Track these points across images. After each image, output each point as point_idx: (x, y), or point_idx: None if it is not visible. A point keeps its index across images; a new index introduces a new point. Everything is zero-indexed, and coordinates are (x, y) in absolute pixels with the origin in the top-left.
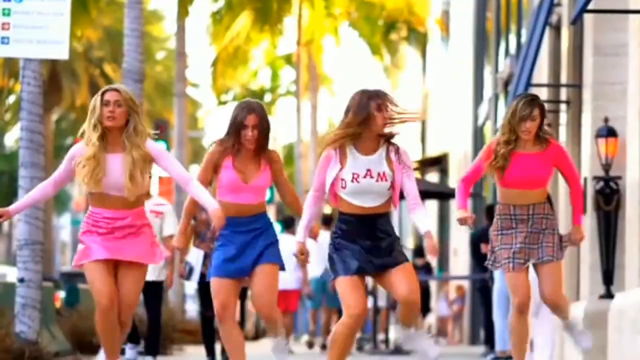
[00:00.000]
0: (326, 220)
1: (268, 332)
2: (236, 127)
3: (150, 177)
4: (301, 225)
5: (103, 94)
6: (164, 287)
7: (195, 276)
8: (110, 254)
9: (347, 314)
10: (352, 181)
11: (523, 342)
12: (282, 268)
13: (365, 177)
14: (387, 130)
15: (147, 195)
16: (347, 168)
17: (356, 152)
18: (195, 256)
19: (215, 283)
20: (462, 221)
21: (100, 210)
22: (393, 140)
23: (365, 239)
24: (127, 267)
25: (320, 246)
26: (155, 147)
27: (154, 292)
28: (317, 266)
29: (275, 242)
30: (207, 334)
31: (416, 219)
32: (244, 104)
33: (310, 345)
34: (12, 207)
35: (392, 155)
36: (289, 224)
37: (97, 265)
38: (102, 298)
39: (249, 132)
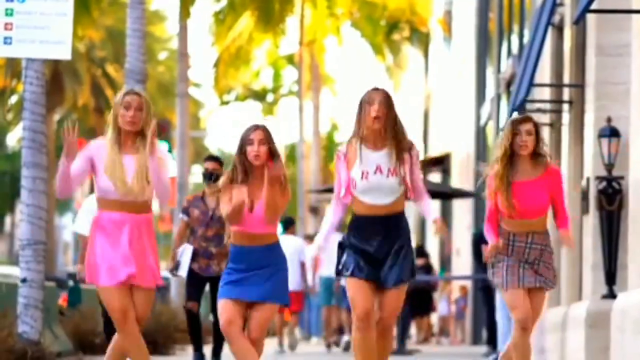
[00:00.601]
0: None
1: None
2: (242, 146)
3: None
4: (322, 232)
5: (124, 96)
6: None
7: (182, 271)
8: (115, 280)
9: (354, 317)
10: (361, 179)
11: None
12: (286, 304)
13: (375, 173)
14: (377, 125)
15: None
16: (356, 167)
17: (365, 149)
18: (185, 251)
19: (221, 303)
20: (491, 252)
21: (107, 213)
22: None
23: (376, 244)
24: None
25: (331, 246)
26: (161, 153)
27: None
28: (327, 265)
29: (284, 280)
30: (193, 328)
31: (424, 209)
32: (249, 125)
33: (328, 346)
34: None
35: (403, 151)
36: (288, 225)
37: (109, 289)
38: (116, 313)
39: (255, 146)
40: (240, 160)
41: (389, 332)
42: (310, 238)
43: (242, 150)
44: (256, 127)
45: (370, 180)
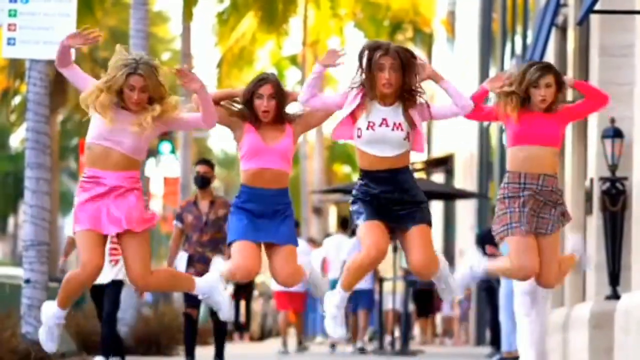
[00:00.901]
0: (343, 223)
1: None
2: (249, 99)
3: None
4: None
5: (128, 76)
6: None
7: None
8: (96, 227)
9: (364, 254)
10: (367, 129)
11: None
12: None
13: (380, 125)
14: (388, 90)
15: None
16: (364, 117)
17: (375, 102)
18: (180, 259)
19: (237, 245)
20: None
21: (93, 171)
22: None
23: (386, 195)
24: (127, 236)
25: (339, 249)
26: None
27: (111, 291)
28: (336, 268)
29: (293, 226)
30: (188, 334)
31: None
32: (258, 76)
33: (333, 346)
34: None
35: (410, 108)
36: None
37: (86, 233)
38: (87, 265)
39: (265, 102)
40: (250, 109)
41: (431, 276)
42: (314, 242)
43: (250, 101)
44: (266, 81)
45: (376, 131)
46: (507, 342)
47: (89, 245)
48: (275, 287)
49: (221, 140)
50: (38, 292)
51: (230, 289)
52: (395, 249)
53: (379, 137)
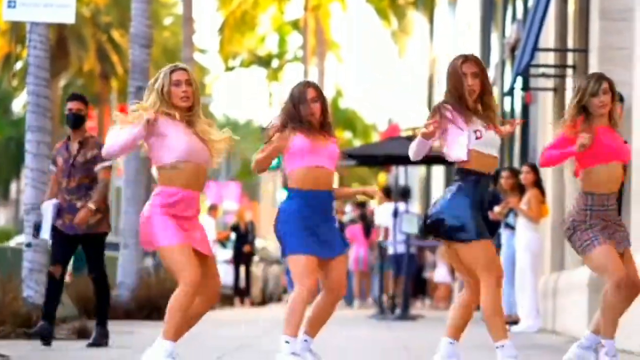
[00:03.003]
0: (387, 192)
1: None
2: (295, 104)
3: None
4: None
5: (171, 72)
6: None
7: (45, 232)
8: (189, 241)
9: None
10: (486, 130)
11: (618, 317)
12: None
13: (487, 130)
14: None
15: None
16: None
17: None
18: (45, 207)
19: (302, 261)
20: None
21: (175, 190)
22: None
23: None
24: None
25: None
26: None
27: None
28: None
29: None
30: (49, 296)
31: None
32: (299, 83)
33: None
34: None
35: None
36: None
37: (184, 248)
38: (195, 277)
39: (310, 104)
40: (296, 114)
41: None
42: None
43: (295, 106)
44: (309, 85)
45: (488, 133)
46: (506, 306)
47: (189, 258)
48: None
49: (223, 105)
50: (39, 255)
51: (230, 253)
52: (395, 214)
53: (491, 139)
